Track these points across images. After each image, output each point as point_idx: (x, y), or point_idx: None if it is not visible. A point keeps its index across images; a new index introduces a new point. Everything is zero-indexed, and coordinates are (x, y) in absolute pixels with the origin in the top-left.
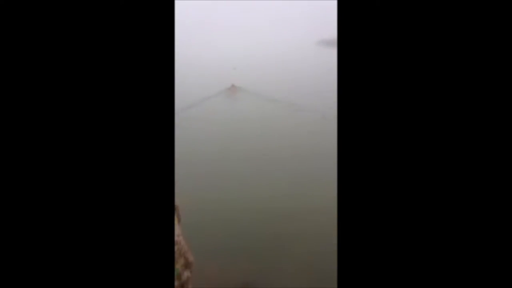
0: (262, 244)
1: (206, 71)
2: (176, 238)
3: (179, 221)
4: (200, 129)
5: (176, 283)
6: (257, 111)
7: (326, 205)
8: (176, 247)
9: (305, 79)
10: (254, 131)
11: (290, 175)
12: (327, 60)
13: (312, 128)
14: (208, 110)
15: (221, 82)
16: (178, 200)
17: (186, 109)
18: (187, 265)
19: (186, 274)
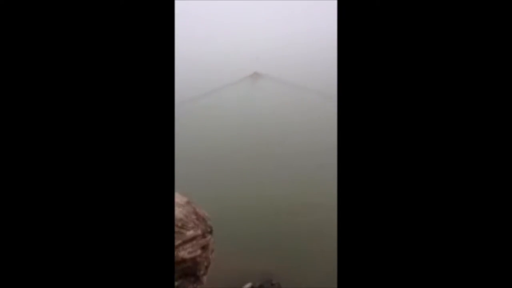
0: (274, 240)
1: (226, 61)
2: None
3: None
4: (220, 116)
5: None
6: (280, 98)
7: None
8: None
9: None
10: (275, 118)
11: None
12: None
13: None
14: (228, 98)
15: (243, 71)
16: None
17: (203, 97)
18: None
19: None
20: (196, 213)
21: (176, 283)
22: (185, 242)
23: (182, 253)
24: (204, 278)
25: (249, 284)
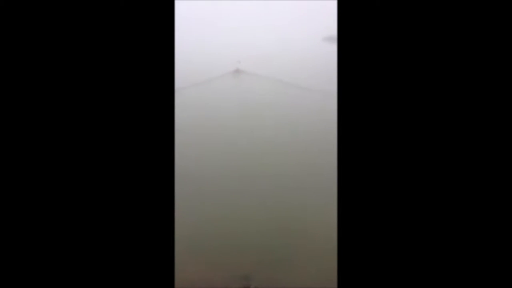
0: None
1: (211, 58)
2: None
3: None
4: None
5: None
6: (261, 91)
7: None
8: None
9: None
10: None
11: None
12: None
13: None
14: (213, 90)
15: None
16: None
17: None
18: None
19: None
20: None
21: None
22: None
23: None
24: None
25: None
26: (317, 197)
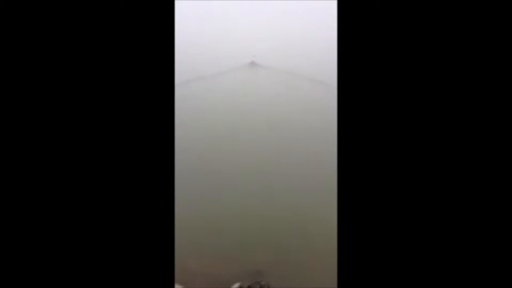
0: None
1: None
2: None
3: None
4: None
5: None
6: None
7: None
8: None
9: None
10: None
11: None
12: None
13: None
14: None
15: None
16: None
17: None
18: None
19: None
20: None
21: None
22: None
23: None
24: None
25: (237, 284)
26: (324, 196)
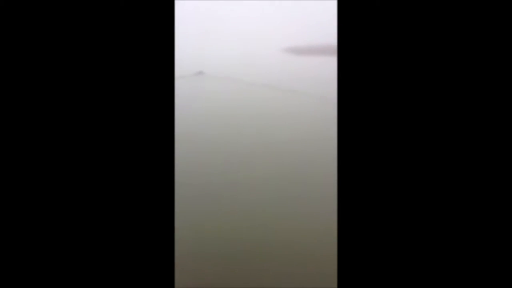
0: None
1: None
2: None
3: None
4: None
5: None
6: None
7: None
8: None
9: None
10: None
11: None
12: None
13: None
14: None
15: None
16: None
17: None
18: None
19: None
20: None
21: None
22: None
23: None
24: None
25: None
26: (321, 204)
